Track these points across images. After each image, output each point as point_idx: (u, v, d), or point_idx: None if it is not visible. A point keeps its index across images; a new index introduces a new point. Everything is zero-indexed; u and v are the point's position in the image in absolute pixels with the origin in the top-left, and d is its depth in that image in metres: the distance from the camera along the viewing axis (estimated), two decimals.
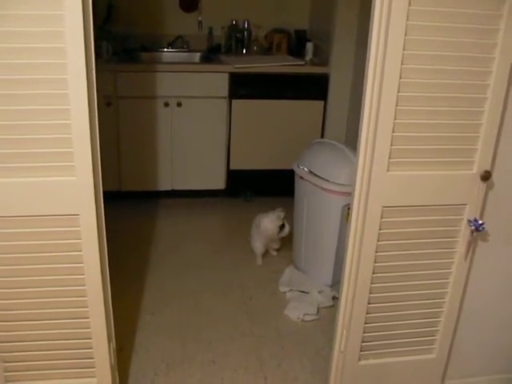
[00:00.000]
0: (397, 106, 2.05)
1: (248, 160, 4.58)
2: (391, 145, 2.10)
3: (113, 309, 2.33)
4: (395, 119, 2.07)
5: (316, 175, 3.29)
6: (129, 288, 3.39)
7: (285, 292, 3.43)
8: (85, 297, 2.15)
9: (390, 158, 2.12)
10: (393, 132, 2.08)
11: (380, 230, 2.22)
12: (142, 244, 3.97)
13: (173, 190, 4.58)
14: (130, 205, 4.39)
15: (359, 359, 2.45)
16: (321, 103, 4.54)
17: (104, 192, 2.13)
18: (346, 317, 2.40)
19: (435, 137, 2.13)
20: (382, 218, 2.20)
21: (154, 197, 4.61)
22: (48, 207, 2.01)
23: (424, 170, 2.17)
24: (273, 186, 4.59)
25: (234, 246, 3.99)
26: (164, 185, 4.56)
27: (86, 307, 2.17)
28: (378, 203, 2.18)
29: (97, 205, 2.05)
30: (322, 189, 3.24)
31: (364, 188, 2.19)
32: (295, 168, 3.46)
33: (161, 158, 4.46)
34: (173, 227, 4.25)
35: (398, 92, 2.03)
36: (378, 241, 2.23)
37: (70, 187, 2.00)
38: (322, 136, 4.57)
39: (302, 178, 3.42)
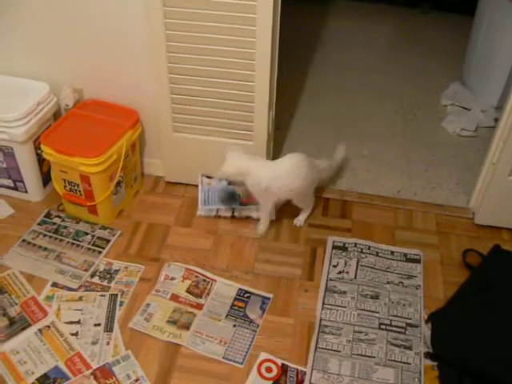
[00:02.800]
0: None
1: None
2: None
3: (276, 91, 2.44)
4: None
5: None
6: (293, 75, 3.48)
7: (446, 105, 3.36)
8: (253, 60, 2.24)
9: None
10: None
11: None
12: (312, 40, 3.98)
13: None
14: (304, 3, 4.32)
15: (510, 174, 2.41)
16: None
17: None
18: (506, 129, 2.33)
19: None
20: None
21: None
22: None
23: None
24: (453, 1, 4.26)
25: (402, 57, 3.86)
26: None
27: (253, 71, 2.27)
28: None
29: None
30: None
31: None
32: None
33: None
34: (343, 29, 4.16)
35: None
36: None
37: None
38: None
39: None
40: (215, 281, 2.27)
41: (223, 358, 2.01)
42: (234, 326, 2.12)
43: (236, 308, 2.18)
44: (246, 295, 2.23)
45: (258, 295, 2.23)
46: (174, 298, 2.20)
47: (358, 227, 2.53)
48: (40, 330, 2.09)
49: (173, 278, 2.27)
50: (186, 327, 2.10)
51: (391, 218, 2.58)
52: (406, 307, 2.20)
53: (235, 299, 2.21)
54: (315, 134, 3.06)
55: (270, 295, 2.22)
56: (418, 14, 4.37)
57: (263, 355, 2.03)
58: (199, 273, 2.30)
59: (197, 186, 2.61)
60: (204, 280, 2.27)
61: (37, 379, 1.94)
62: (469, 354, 2.02)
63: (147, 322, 2.11)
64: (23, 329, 2.09)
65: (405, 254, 2.41)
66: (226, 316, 2.15)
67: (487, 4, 3.25)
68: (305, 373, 1.98)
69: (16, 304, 2.17)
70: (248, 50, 2.21)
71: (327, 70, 3.63)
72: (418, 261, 2.38)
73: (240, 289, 2.25)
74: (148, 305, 2.17)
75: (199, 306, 2.18)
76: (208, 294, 2.22)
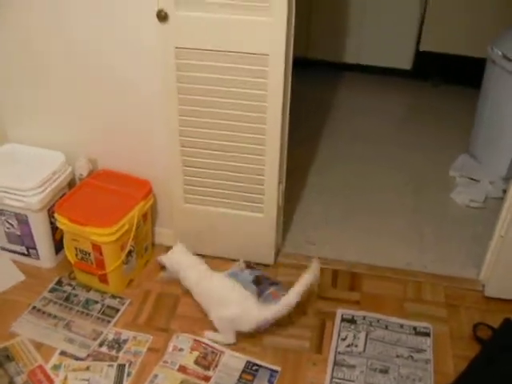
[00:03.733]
0: None
1: (440, 41, 4.34)
2: None
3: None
4: None
5: (510, 60, 3.11)
6: (302, 145, 3.53)
7: (455, 176, 3.39)
8: (263, 135, 2.31)
9: None
10: None
11: None
12: (321, 110, 4.07)
13: (357, 64, 4.53)
14: (315, 73, 4.43)
15: None
16: None
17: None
18: None
19: None
20: None
21: (338, 69, 4.60)
22: (241, 45, 2.15)
23: None
24: (462, 74, 4.35)
25: (412, 128, 3.93)
26: (349, 58, 4.52)
27: (264, 145, 2.33)
28: None
29: (287, 49, 2.15)
30: None
31: None
32: (488, 50, 3.28)
33: (349, 28, 4.40)
34: (353, 99, 4.28)
35: None
36: None
37: (264, 27, 2.09)
38: None
39: (493, 62, 3.25)
40: (223, 352, 2.26)
41: None
42: None
43: (244, 381, 2.16)
44: (253, 368, 2.21)
45: (266, 368, 2.21)
46: (182, 369, 2.19)
47: (367, 299, 2.52)
48: None
49: (181, 349, 2.26)
50: None
51: (400, 290, 2.58)
52: (415, 382, 2.17)
53: (243, 372, 2.19)
54: (324, 206, 3.09)
55: (278, 368, 2.21)
56: (429, 87, 4.46)
57: None
58: (207, 344, 2.29)
59: (207, 256, 2.64)
60: (212, 352, 2.26)
61: None
62: None
63: None
64: None
65: (414, 328, 2.39)
66: None
67: (492, 77, 3.32)
68: None
69: (23, 372, 2.17)
70: (260, 114, 2.27)
71: (337, 141, 3.70)
72: (427, 334, 2.37)
73: (248, 361, 2.23)
74: (156, 376, 2.16)
75: (207, 379, 2.16)
76: (216, 365, 2.21)
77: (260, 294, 2.42)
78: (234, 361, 2.24)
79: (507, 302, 2.53)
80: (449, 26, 4.21)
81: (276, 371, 2.20)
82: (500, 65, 3.18)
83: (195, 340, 2.30)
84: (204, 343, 2.29)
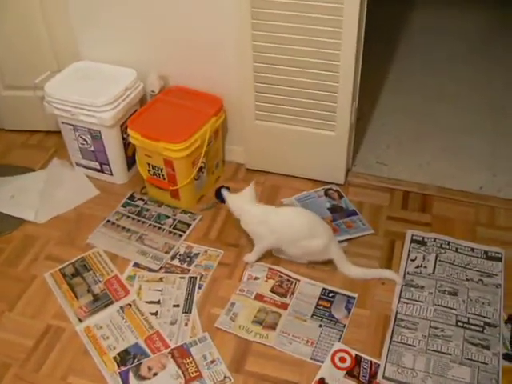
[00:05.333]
0: None
1: None
2: None
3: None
4: None
5: None
6: (377, 64, 3.45)
7: None
8: (338, 50, 2.24)
9: None
10: None
11: None
12: (399, 29, 3.93)
13: None
14: None
15: None
16: None
17: None
18: None
19: None
20: None
21: None
22: None
23: None
24: None
25: (492, 47, 3.74)
26: None
27: (337, 61, 2.27)
28: None
29: None
30: None
31: None
32: None
33: None
34: (432, 17, 4.08)
35: None
36: None
37: None
38: None
39: None
40: (299, 280, 2.27)
41: (311, 358, 2.00)
42: (320, 326, 2.11)
43: (321, 308, 2.17)
44: (330, 295, 2.21)
45: (343, 295, 2.21)
46: (259, 297, 2.21)
47: (437, 222, 2.48)
48: (122, 307, 2.17)
49: (256, 278, 2.28)
50: (272, 327, 2.10)
51: (472, 214, 2.52)
52: (485, 306, 2.15)
53: (320, 299, 2.20)
54: (397, 126, 3.02)
55: (355, 294, 2.20)
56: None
57: (337, 345, 2.03)
58: (283, 272, 2.29)
59: (277, 174, 2.65)
60: (288, 280, 2.27)
61: (118, 354, 2.02)
62: None
63: (233, 322, 2.12)
64: (106, 306, 2.18)
65: (485, 252, 2.35)
66: (312, 316, 2.15)
67: None
68: (378, 365, 1.97)
69: (100, 281, 2.26)
70: (334, 28, 2.20)
71: (412, 61, 3.57)
72: (499, 259, 2.32)
73: (324, 288, 2.24)
74: (233, 304, 2.19)
75: (284, 306, 2.18)
76: (292, 293, 2.22)
77: (332, 221, 2.45)
78: (310, 288, 2.24)
79: None
80: None
81: (353, 297, 2.19)
82: None
83: (270, 268, 2.31)
84: (279, 271, 2.30)
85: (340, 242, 2.34)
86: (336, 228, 2.43)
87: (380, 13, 3.71)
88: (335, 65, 2.28)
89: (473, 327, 2.09)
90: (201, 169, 2.53)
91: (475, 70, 3.50)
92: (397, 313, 2.13)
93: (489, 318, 2.11)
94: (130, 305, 2.18)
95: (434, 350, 2.01)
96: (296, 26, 2.22)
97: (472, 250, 2.36)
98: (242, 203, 2.27)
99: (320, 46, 2.25)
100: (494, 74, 3.46)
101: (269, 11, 2.21)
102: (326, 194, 2.62)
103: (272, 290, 2.23)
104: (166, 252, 2.38)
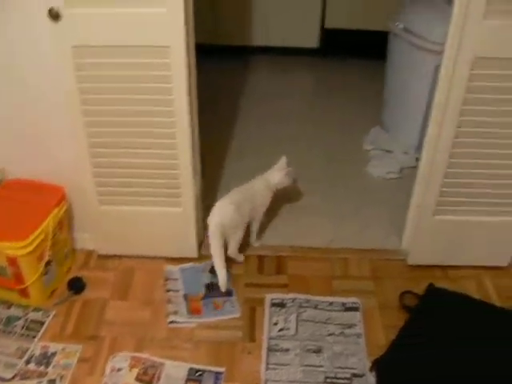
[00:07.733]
0: None
1: (344, 17, 4.38)
2: None
3: (202, 153, 2.49)
4: None
5: (411, 32, 3.16)
6: (217, 133, 3.51)
7: (368, 150, 3.45)
8: (173, 128, 2.27)
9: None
10: None
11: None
12: (233, 95, 4.04)
13: (266, 47, 4.51)
14: (223, 60, 4.37)
15: (434, 214, 2.47)
16: None
17: (198, 45, 2.24)
18: (426, 170, 2.40)
19: None
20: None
21: (247, 53, 4.56)
22: (139, 38, 2.09)
23: None
24: (370, 48, 4.35)
25: (324, 105, 3.97)
26: (257, 40, 4.50)
27: (174, 138, 2.29)
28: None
29: (188, 38, 2.11)
30: (416, 46, 3.12)
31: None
32: (390, 24, 3.33)
33: (255, 10, 4.39)
34: (264, 82, 4.26)
35: None
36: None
37: (160, 18, 2.05)
38: None
39: (395, 34, 3.29)
40: (163, 364, 2.19)
41: None
42: None
43: None
44: (197, 374, 2.16)
45: (210, 371, 2.17)
46: None
47: (294, 281, 2.53)
48: None
49: (119, 369, 2.17)
50: None
51: (327, 269, 2.61)
52: (349, 357, 2.20)
53: (188, 380, 2.14)
54: None
55: (223, 369, 2.17)
56: (338, 63, 4.44)
57: None
58: (145, 358, 2.21)
59: (130, 256, 2.60)
60: (152, 366, 2.19)
61: None
62: None
63: None
64: None
65: (343, 304, 2.43)
66: None
67: (394, 49, 3.37)
68: None
69: None
70: (167, 107, 2.23)
71: (249, 124, 3.69)
72: (356, 309, 2.40)
73: (191, 368, 2.18)
74: None
75: None
76: (158, 378, 2.14)
77: (203, 298, 2.45)
78: (175, 370, 2.18)
79: (430, 268, 2.61)
80: (350, 2, 4.30)
81: (221, 372, 2.16)
82: (401, 37, 3.23)
83: (133, 357, 2.22)
84: (142, 358, 2.22)
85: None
86: (199, 308, 2.41)
87: (213, 83, 3.85)
88: (172, 143, 2.30)
89: (340, 381, 2.13)
90: (49, 262, 2.41)
91: (310, 125, 3.70)
92: (266, 380, 2.12)
93: (355, 369, 2.17)
94: None
95: None
96: (128, 108, 2.23)
97: (330, 303, 2.43)
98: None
99: (155, 126, 2.26)
100: (328, 128, 3.67)
101: (98, 96, 2.22)
102: (212, 271, 2.52)
103: (137, 379, 2.14)
104: (20, 357, 2.22)
